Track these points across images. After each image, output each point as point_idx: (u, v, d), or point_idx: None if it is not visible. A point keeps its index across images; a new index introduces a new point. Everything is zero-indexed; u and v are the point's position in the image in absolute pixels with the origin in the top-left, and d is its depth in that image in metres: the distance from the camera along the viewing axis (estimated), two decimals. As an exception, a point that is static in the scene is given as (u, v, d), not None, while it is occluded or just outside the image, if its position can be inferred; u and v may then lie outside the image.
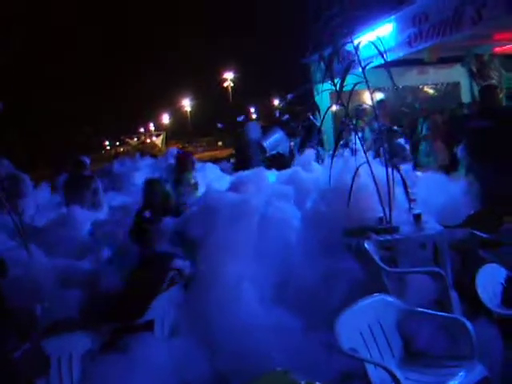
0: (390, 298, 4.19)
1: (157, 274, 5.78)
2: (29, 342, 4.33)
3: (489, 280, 4.46)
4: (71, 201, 10.23)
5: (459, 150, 9.15)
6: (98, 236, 8.08)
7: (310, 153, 11.38)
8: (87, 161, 11.28)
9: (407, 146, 10.85)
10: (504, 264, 5.07)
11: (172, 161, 12.55)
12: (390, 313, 4.04)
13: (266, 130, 14.72)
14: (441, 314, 4.33)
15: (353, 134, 8.08)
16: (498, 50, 13.81)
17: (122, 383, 4.71)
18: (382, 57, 6.52)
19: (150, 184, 8.38)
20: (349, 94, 7.04)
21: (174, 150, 18.47)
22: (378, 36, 8.18)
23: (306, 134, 14.17)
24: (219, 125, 37.00)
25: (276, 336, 5.27)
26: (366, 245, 5.61)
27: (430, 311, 4.24)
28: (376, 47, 6.69)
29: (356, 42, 7.00)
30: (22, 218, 7.44)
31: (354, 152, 7.94)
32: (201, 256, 6.13)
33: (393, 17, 11.99)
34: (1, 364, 4.02)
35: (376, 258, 5.47)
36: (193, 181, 9.71)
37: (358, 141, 7.40)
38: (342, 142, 9.10)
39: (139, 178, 14.22)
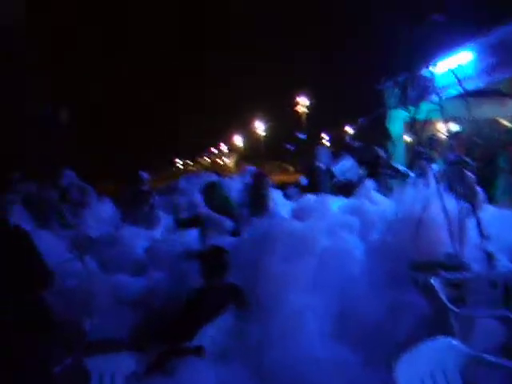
0: (455, 342, 3.81)
1: (217, 303, 5.61)
2: (72, 356, 4.19)
3: None
4: (128, 216, 10.23)
5: None
6: (153, 254, 7.98)
7: (369, 183, 10.82)
8: (145, 176, 11.25)
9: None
10: None
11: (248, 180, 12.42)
12: (456, 359, 3.67)
13: (336, 156, 14.51)
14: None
15: (425, 164, 7.72)
16: None
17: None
18: (461, 85, 6.21)
19: (209, 187, 8.36)
20: (423, 123, 6.75)
21: (251, 168, 18.29)
22: (456, 64, 7.92)
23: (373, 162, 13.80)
24: (289, 146, 36.93)
25: (333, 369, 5.01)
26: (432, 281, 5.28)
27: (501, 360, 3.85)
28: (455, 75, 6.41)
29: (433, 69, 6.73)
30: (81, 229, 7.45)
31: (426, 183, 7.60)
32: (260, 283, 5.91)
33: (472, 44, 11.47)
34: (40, 377, 3.90)
35: (443, 296, 5.13)
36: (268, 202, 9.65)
37: (430, 171, 7.07)
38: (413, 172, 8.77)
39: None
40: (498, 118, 16.51)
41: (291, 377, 4.97)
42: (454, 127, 13.34)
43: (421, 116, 6.66)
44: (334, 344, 5.36)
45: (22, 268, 4.28)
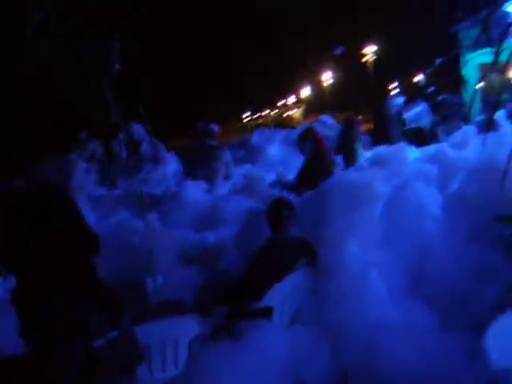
0: None
1: (286, 260, 5.25)
2: (122, 325, 3.93)
3: None
4: (195, 171, 9.92)
5: None
6: (219, 211, 7.71)
7: (468, 129, 10.15)
8: (215, 129, 10.86)
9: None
10: None
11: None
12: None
13: (408, 103, 14.04)
14: None
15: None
16: None
17: (233, 372, 4.29)
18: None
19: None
20: (501, 66, 6.18)
21: (324, 116, 18.03)
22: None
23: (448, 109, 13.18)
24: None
25: (407, 333, 4.65)
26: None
27: None
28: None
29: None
30: (147, 185, 7.26)
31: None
32: (322, 240, 5.54)
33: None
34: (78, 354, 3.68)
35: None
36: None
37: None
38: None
39: (275, 150, 13.91)
40: None
41: (362, 338, 4.62)
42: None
43: (503, 57, 6.12)
44: (407, 304, 4.94)
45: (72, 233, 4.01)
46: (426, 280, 5.24)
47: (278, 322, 4.94)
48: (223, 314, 4.87)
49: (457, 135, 9.59)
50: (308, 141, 8.49)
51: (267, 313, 4.89)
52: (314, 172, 7.91)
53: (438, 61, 15.50)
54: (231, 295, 5.23)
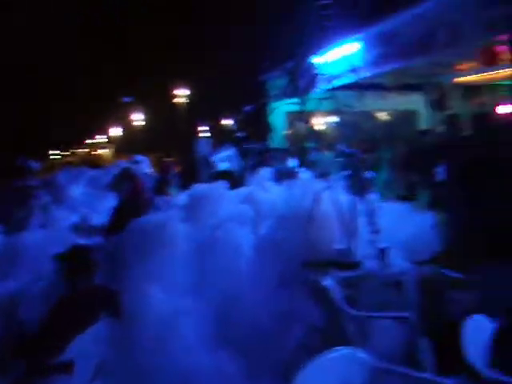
0: (360, 354, 3.42)
1: (86, 310, 4.94)
2: None
3: (475, 335, 3.80)
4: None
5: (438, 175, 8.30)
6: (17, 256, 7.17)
7: (266, 171, 10.38)
8: (35, 165, 10.12)
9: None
10: (480, 310, 4.46)
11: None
12: (360, 372, 3.32)
13: (218, 147, 14.31)
14: (421, 374, 3.64)
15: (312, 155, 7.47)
16: (458, 80, 13.52)
17: None
18: (354, 74, 5.97)
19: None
20: (304, 114, 6.46)
21: (122, 162, 17.67)
22: (345, 54, 7.66)
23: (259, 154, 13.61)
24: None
25: (215, 381, 4.57)
26: (324, 281, 4.91)
27: (409, 371, 3.53)
28: (345, 64, 6.14)
29: (321, 58, 6.44)
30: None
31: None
32: (125, 287, 5.32)
33: (360, 35, 11.23)
34: None
35: (336, 297, 4.76)
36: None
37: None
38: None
39: (80, 190, 13.38)
40: (377, 111, 16.83)
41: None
42: (336, 119, 13.35)
43: (309, 106, 6.38)
44: (217, 351, 4.89)
45: None
46: (236, 325, 5.21)
47: (79, 377, 4.61)
48: (21, 368, 4.46)
49: (259, 179, 9.70)
50: (125, 180, 8.28)
51: (68, 367, 4.56)
52: (130, 212, 7.68)
53: (247, 108, 15.99)
54: (30, 348, 4.81)
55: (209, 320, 5.27)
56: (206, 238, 6.05)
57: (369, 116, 16.77)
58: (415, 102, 15.33)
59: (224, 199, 7.43)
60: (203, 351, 4.92)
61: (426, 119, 14.98)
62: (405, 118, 16.81)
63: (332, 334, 4.44)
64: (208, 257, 5.85)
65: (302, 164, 9.27)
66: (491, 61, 9.16)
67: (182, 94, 45.59)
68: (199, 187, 8.00)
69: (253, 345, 4.99)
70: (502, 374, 3.60)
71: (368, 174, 6.27)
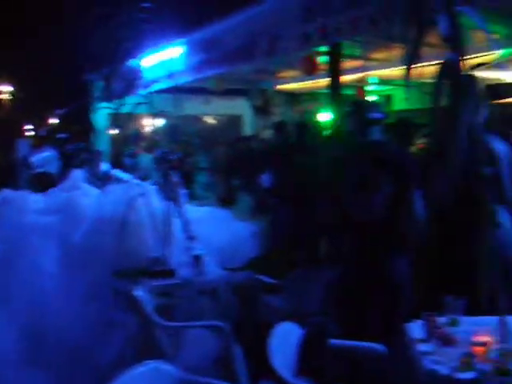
0: (165, 366, 3.33)
1: None
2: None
3: (283, 342, 3.85)
4: None
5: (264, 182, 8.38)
6: None
7: (78, 173, 9.74)
8: None
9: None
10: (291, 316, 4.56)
11: None
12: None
13: (37, 148, 13.69)
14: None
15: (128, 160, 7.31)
16: (281, 87, 13.94)
17: None
18: (170, 79, 5.92)
19: None
20: (127, 116, 6.32)
21: None
22: (165, 58, 7.58)
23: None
24: None
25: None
26: (135, 291, 4.77)
27: (215, 381, 3.51)
28: (163, 69, 6.08)
29: (142, 61, 6.32)
30: None
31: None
32: None
33: (183, 40, 11.17)
34: None
35: (147, 307, 4.63)
36: None
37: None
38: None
39: None
40: (202, 116, 16.95)
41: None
42: (160, 122, 13.26)
43: (125, 109, 6.25)
44: (27, 373, 4.61)
45: None
46: (44, 341, 4.92)
47: None
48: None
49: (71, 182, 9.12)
50: None
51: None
52: None
53: (66, 108, 15.52)
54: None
55: (18, 339, 4.95)
56: (4, 251, 5.62)
57: (194, 120, 16.83)
58: (240, 107, 15.50)
59: (29, 209, 6.85)
60: (8, 368, 4.63)
61: (250, 124, 15.25)
62: (230, 123, 17.04)
63: (146, 345, 4.34)
64: (12, 273, 5.47)
65: (118, 167, 9.05)
66: (311, 70, 9.49)
67: (5, 90, 43.13)
68: (4, 194, 7.33)
69: (64, 361, 4.76)
70: (309, 382, 3.71)
71: (179, 178, 6.21)
